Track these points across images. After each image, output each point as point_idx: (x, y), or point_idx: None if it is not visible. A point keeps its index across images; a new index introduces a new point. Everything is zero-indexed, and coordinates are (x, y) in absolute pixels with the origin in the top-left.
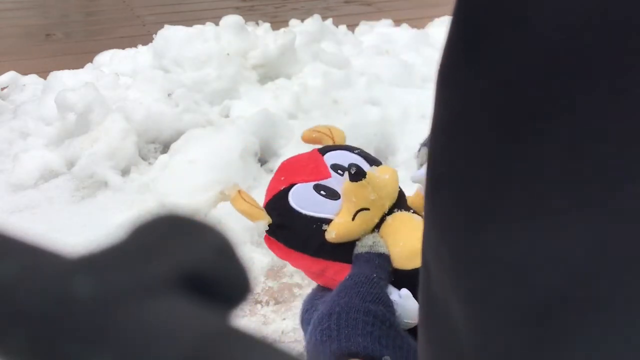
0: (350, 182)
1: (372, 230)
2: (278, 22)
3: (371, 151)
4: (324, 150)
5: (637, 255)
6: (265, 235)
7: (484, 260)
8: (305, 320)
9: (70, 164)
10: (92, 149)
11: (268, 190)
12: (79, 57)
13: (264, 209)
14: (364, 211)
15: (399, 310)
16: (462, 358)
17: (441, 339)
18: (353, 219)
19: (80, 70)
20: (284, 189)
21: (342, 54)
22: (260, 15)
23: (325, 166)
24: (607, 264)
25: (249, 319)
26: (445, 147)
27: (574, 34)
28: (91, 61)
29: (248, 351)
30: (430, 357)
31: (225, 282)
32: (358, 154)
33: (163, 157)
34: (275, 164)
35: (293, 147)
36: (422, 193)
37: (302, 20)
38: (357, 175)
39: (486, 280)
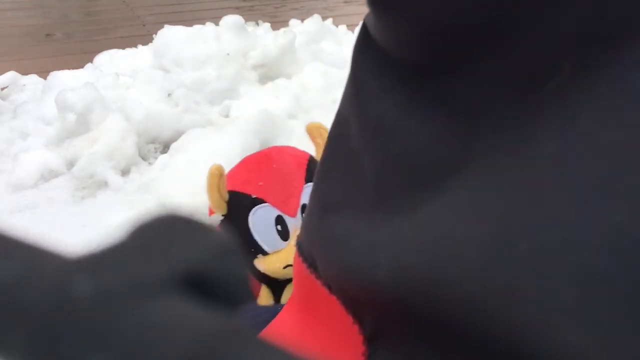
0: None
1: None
2: (278, 22)
3: None
4: (309, 175)
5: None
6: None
7: None
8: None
9: (70, 164)
10: (92, 149)
11: (243, 175)
12: (79, 57)
13: (228, 194)
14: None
15: None
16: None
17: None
18: (285, 267)
19: (80, 70)
20: (254, 198)
21: (342, 54)
22: (260, 15)
23: (298, 203)
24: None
25: None
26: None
27: None
28: (91, 61)
29: (248, 351)
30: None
31: (225, 282)
32: None
33: (163, 157)
34: None
35: None
36: None
37: (302, 20)
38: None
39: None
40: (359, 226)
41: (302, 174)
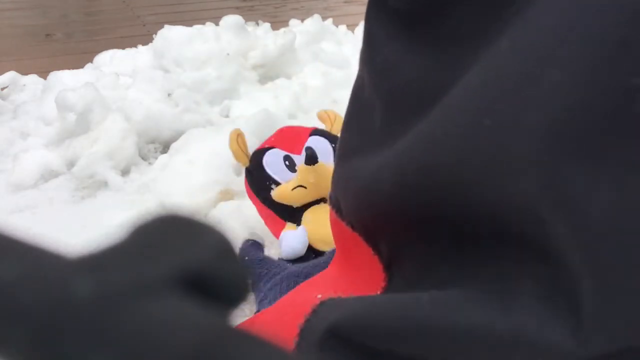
0: (303, 164)
1: (307, 206)
2: (278, 22)
3: None
4: (314, 132)
5: None
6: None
7: None
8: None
9: (70, 164)
10: (92, 149)
11: (262, 143)
12: (79, 57)
13: (249, 154)
14: (301, 188)
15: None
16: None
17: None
18: (292, 189)
19: (80, 70)
20: (266, 147)
21: (342, 54)
22: (260, 15)
23: (302, 145)
24: None
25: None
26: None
27: None
28: (91, 61)
29: (248, 351)
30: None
31: (225, 282)
32: (334, 147)
33: (163, 157)
34: None
35: None
36: None
37: (302, 20)
38: (309, 159)
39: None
40: (369, 159)
41: (307, 132)
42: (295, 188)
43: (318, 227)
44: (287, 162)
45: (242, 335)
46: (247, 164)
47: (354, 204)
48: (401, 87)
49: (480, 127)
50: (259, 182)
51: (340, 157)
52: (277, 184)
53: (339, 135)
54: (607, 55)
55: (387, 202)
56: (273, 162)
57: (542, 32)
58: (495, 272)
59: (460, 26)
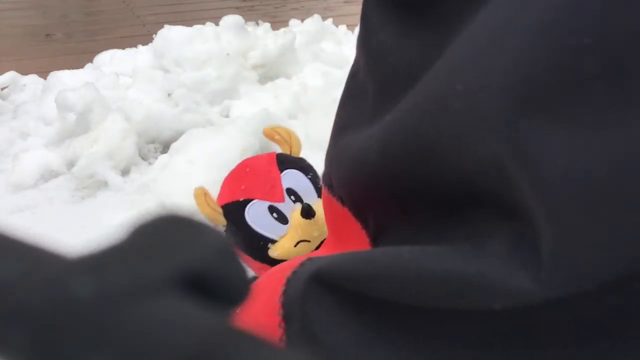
0: (301, 218)
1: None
2: (278, 22)
3: None
4: (281, 165)
5: None
6: None
7: None
8: None
9: (70, 164)
10: (92, 149)
11: (226, 190)
12: (79, 57)
13: (221, 209)
14: (305, 242)
15: None
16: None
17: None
18: (295, 245)
19: (80, 70)
20: (242, 200)
21: (342, 54)
22: (260, 15)
23: (282, 189)
24: None
25: None
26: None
27: None
28: (91, 61)
29: (248, 351)
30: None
31: (225, 282)
32: (310, 178)
33: (163, 157)
34: None
35: None
36: None
37: (302, 20)
38: (308, 215)
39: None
40: (361, 134)
41: (275, 166)
42: (298, 243)
43: None
44: (274, 215)
45: (242, 335)
46: (222, 222)
47: (344, 177)
48: (393, 69)
49: (454, 93)
50: (248, 242)
51: (334, 135)
52: (272, 241)
53: (301, 157)
54: (561, 18)
55: (373, 173)
56: (259, 218)
57: (508, 4)
58: (469, 233)
59: (448, 8)
